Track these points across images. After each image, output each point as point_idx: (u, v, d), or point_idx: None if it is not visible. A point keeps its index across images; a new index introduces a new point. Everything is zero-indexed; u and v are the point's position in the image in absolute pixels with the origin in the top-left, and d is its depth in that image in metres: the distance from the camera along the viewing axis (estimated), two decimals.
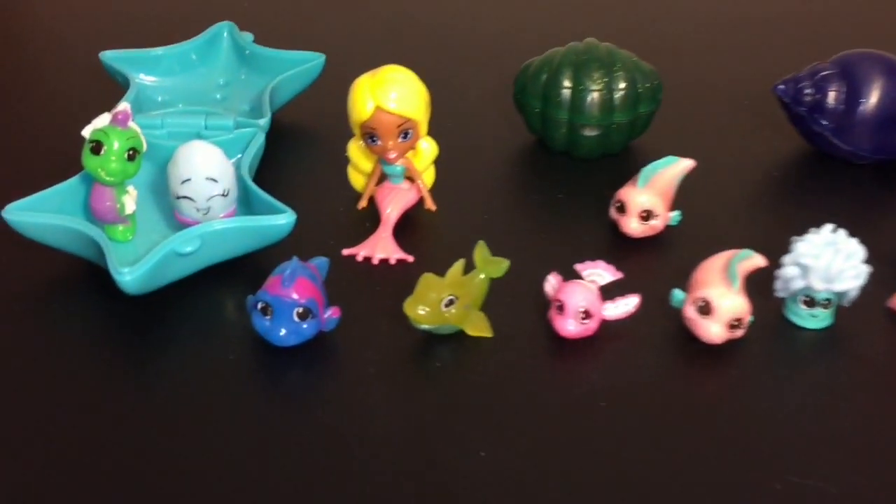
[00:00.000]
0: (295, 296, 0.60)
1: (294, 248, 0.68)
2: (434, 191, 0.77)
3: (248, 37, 0.91)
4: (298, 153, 0.84)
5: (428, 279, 0.62)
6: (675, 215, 0.74)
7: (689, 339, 0.63)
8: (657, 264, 0.71)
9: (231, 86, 0.90)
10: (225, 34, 0.91)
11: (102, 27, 1.09)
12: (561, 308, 0.62)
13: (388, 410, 0.58)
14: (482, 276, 0.64)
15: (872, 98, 0.78)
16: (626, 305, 0.64)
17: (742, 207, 0.78)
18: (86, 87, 0.93)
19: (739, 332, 0.62)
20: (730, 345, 0.63)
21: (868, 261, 0.65)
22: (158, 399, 0.59)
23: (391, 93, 0.70)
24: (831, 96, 0.79)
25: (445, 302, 0.61)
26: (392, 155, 0.72)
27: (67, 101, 0.93)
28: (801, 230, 0.64)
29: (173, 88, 0.88)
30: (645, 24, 1.09)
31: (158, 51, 0.89)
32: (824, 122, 0.80)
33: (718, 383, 0.61)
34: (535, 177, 0.82)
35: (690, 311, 0.62)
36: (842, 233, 0.63)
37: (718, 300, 0.61)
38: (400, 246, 0.72)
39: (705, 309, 0.61)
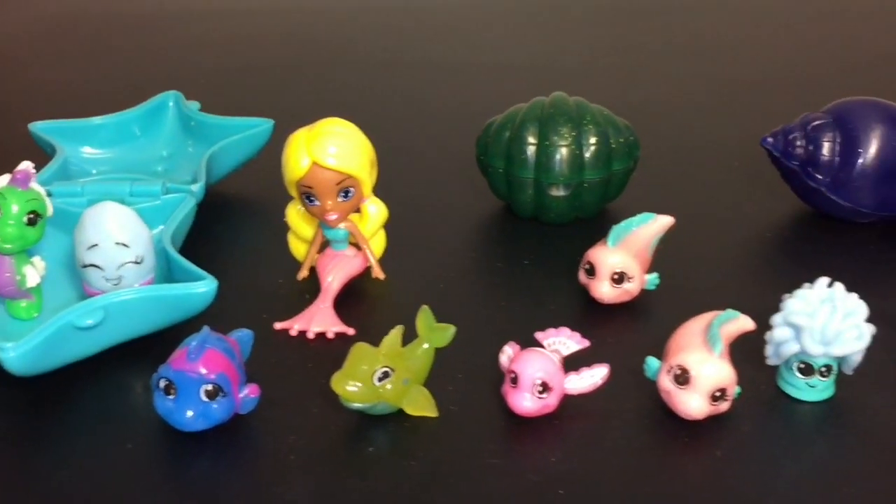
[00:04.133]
0: (202, 370, 0.52)
1: (224, 322, 0.60)
2: (387, 258, 0.69)
3: (194, 106, 0.85)
4: (240, 223, 0.77)
5: (360, 350, 0.54)
6: (652, 278, 0.65)
7: (666, 414, 0.54)
8: (632, 332, 0.63)
9: (175, 157, 0.83)
10: (170, 104, 0.85)
11: (35, 97, 1.03)
12: (515, 381, 0.54)
13: None
14: (425, 345, 0.56)
15: (871, 148, 0.71)
16: (592, 377, 0.55)
17: (731, 271, 0.69)
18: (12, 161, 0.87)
19: (724, 406, 0.53)
20: (713, 421, 0.54)
21: (874, 325, 0.57)
22: (47, 499, 0.50)
23: (329, 147, 0.63)
24: (825, 148, 0.72)
25: (379, 375, 0.52)
26: (332, 216, 0.64)
27: None
28: None
29: (111, 160, 0.82)
30: (622, 85, 1.04)
31: (96, 120, 0.82)
32: (819, 177, 0.72)
33: (700, 466, 0.52)
34: (500, 243, 0.74)
35: (666, 382, 0.53)
36: (839, 287, 0.54)
37: (697, 367, 0.52)
38: (342, 318, 0.63)
39: (682, 378, 0.53)
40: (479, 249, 0.74)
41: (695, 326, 0.55)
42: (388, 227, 0.70)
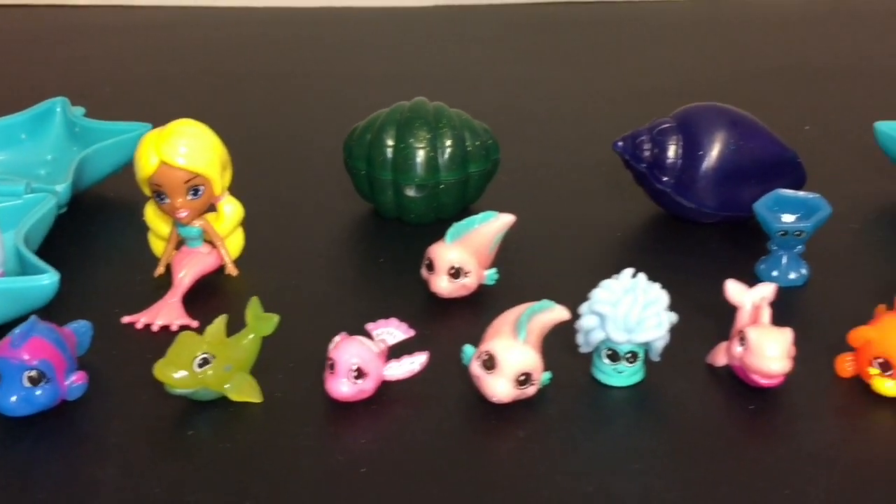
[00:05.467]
0: (25, 357, 0.54)
1: (76, 316, 0.62)
2: (249, 256, 0.72)
3: (79, 111, 0.87)
4: (113, 223, 0.79)
5: (184, 338, 0.56)
6: (490, 274, 0.68)
7: (479, 399, 0.56)
8: (465, 324, 0.65)
9: (59, 161, 0.85)
10: (57, 110, 0.87)
11: None
12: (332, 367, 0.56)
13: (119, 487, 0.51)
14: (252, 335, 0.58)
15: (712, 151, 0.74)
16: (411, 364, 0.58)
17: (575, 269, 0.72)
18: None
19: (531, 390, 0.56)
20: (522, 405, 0.56)
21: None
22: None
23: (177, 146, 0.65)
24: (670, 151, 0.75)
25: (199, 361, 0.55)
26: (182, 214, 0.67)
27: None
28: None
29: None
30: (492, 92, 1.07)
31: None
32: (665, 179, 0.75)
33: (502, 447, 0.54)
34: (361, 243, 0.77)
35: (475, 367, 0.56)
36: (642, 278, 0.57)
37: (503, 353, 0.55)
38: (192, 312, 0.66)
39: (489, 363, 0.55)
40: (339, 249, 0.76)
41: (509, 316, 0.58)
42: (257, 226, 0.73)
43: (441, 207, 0.76)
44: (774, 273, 0.68)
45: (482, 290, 0.68)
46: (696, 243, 0.75)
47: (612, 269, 0.72)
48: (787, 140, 0.79)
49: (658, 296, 0.57)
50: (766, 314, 0.56)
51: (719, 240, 0.75)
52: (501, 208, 0.72)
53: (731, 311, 0.61)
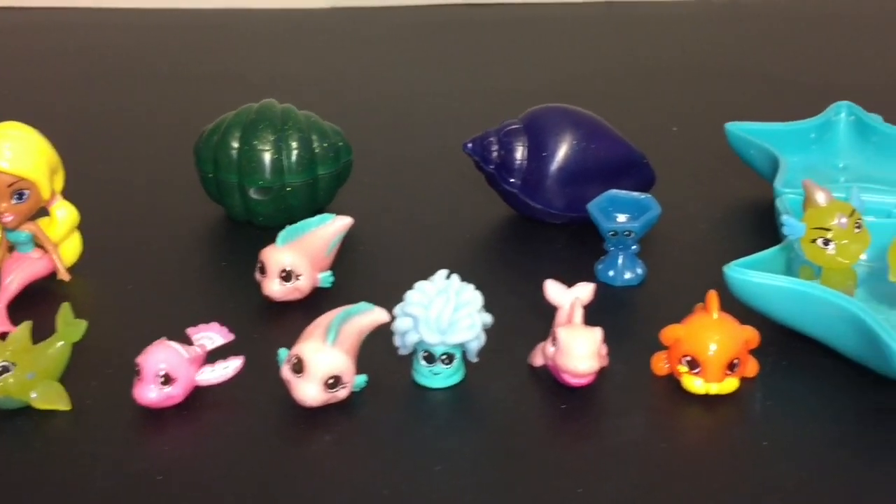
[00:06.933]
0: None
1: None
2: (87, 261, 0.71)
3: None
4: None
5: None
6: (325, 276, 0.67)
7: (293, 404, 0.56)
8: (294, 327, 0.63)
9: None
10: None
11: None
12: (139, 373, 0.55)
13: None
14: (60, 342, 0.57)
15: (557, 152, 0.74)
16: (224, 369, 0.57)
17: (417, 270, 0.69)
18: None
19: (342, 393, 0.55)
20: (335, 408, 0.55)
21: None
22: None
23: None
24: (517, 152, 0.75)
25: None
26: (7, 219, 0.65)
27: None
28: None
29: None
30: (353, 94, 1.08)
31: None
32: (512, 180, 0.75)
33: (308, 451, 0.53)
34: (206, 246, 0.76)
35: (286, 371, 0.55)
36: (455, 279, 0.57)
37: (310, 356, 0.54)
38: (19, 319, 0.64)
39: (298, 367, 0.54)
40: (183, 252, 0.75)
41: (324, 319, 0.57)
42: (103, 230, 0.73)
43: (290, 210, 0.76)
44: (611, 273, 0.68)
45: (317, 293, 0.67)
46: (543, 244, 0.75)
47: (456, 271, 0.72)
48: (651, 140, 0.80)
49: (472, 297, 0.56)
50: (579, 314, 0.56)
51: (566, 240, 0.75)
52: (355, 210, 0.72)
53: None
